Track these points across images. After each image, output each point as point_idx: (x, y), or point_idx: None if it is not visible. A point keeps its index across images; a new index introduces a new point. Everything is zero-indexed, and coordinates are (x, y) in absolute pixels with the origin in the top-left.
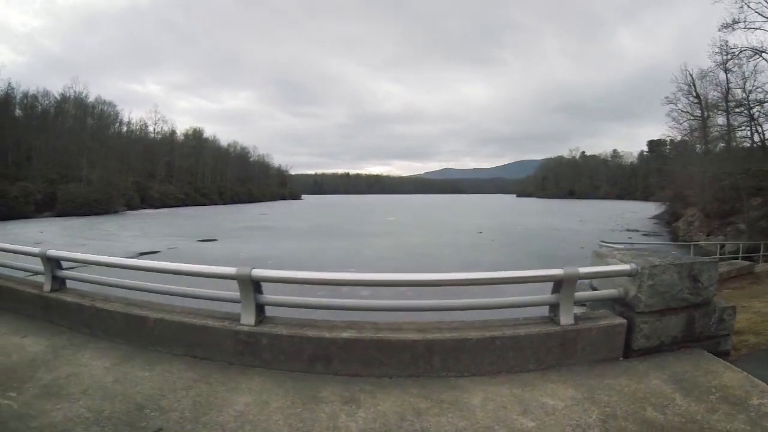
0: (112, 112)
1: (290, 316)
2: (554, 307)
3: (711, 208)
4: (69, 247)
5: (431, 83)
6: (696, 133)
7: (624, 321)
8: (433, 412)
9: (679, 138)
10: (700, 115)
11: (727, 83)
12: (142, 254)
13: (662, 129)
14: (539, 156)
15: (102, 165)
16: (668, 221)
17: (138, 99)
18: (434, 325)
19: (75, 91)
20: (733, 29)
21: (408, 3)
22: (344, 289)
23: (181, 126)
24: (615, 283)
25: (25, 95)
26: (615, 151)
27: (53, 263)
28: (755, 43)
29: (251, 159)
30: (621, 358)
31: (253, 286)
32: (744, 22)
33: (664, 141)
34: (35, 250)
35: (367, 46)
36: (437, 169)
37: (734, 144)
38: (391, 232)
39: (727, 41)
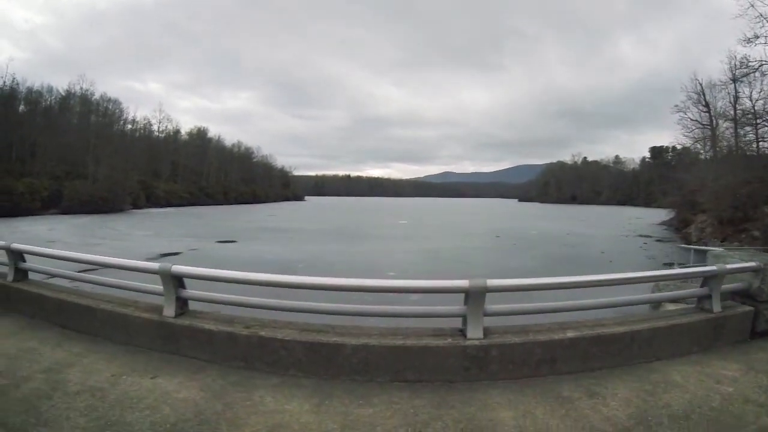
0: (116, 110)
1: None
2: (703, 299)
3: (725, 214)
4: (83, 247)
5: (431, 87)
6: (708, 141)
7: (751, 309)
8: (658, 391)
9: (690, 144)
10: (709, 123)
11: (736, 93)
12: (163, 255)
13: (663, 136)
14: (539, 161)
15: (108, 163)
16: (677, 227)
17: (139, 97)
18: (627, 318)
19: (81, 88)
20: (755, 44)
21: (410, 7)
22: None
23: (182, 125)
24: (737, 278)
25: (30, 91)
26: (617, 157)
27: (176, 282)
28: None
29: (254, 159)
30: (749, 339)
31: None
32: (765, 36)
33: (667, 148)
34: (154, 266)
35: (368, 49)
36: (437, 173)
37: (738, 152)
38: (409, 236)
39: (747, 56)
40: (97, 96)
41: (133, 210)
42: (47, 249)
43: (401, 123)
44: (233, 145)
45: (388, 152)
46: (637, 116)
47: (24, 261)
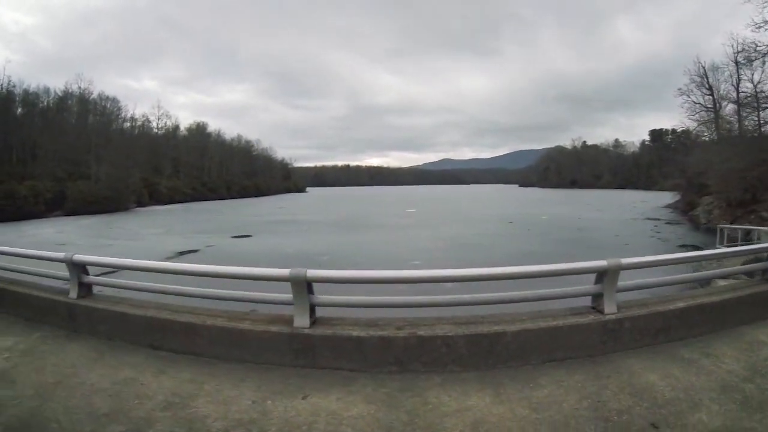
0: (114, 108)
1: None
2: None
3: (733, 196)
4: (95, 248)
5: (429, 75)
6: (712, 124)
7: None
8: (755, 349)
9: (694, 128)
10: (712, 106)
11: (739, 76)
12: (181, 253)
13: (663, 118)
14: (537, 146)
15: (110, 162)
16: (683, 210)
17: (134, 95)
18: (716, 289)
19: (80, 87)
20: (766, 29)
21: None
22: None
23: (179, 120)
24: None
25: (26, 92)
26: (617, 140)
27: (308, 288)
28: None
29: (254, 153)
30: None
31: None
32: None
33: (666, 131)
34: (284, 272)
35: (365, 38)
36: (436, 160)
37: (746, 134)
38: (422, 224)
39: (756, 41)
40: (95, 95)
41: (137, 208)
42: (116, 259)
43: (399, 111)
44: (232, 139)
45: (386, 141)
46: (636, 99)
47: (87, 274)
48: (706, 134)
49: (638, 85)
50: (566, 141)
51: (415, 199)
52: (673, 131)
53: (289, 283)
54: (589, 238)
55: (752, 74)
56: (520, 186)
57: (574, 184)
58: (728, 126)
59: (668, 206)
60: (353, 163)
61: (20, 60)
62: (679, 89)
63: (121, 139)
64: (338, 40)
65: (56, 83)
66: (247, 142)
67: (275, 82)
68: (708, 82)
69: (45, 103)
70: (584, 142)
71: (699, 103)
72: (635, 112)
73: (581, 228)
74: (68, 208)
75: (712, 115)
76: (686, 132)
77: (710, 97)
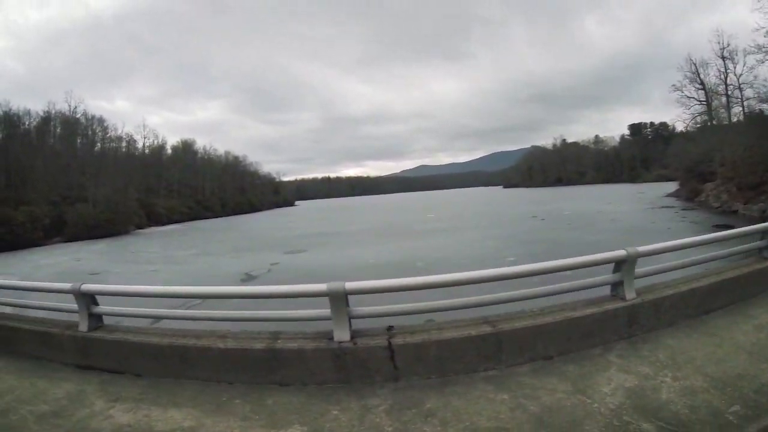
0: (100, 129)
1: None
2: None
3: (745, 181)
4: (144, 275)
5: (401, 82)
6: (705, 116)
7: None
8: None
9: (690, 119)
10: (704, 99)
11: (726, 70)
12: (248, 275)
13: (635, 112)
14: (513, 147)
15: (107, 184)
16: (687, 197)
17: (108, 116)
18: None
19: (69, 106)
20: None
21: (375, 2)
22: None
23: (165, 139)
24: None
25: (7, 114)
26: (596, 136)
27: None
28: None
29: (242, 168)
30: None
31: None
32: None
33: (645, 124)
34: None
35: (335, 48)
36: (412, 167)
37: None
38: (459, 227)
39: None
40: (79, 115)
41: (137, 230)
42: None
43: (373, 120)
44: (220, 155)
45: (361, 151)
46: (606, 94)
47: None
48: (699, 126)
49: (608, 80)
50: (541, 140)
51: (422, 205)
52: (652, 124)
53: None
54: (630, 226)
55: (734, 67)
56: (504, 187)
57: (559, 182)
58: (723, 117)
59: (670, 195)
60: (332, 175)
61: None
62: (673, 85)
63: (115, 160)
64: (308, 52)
65: (31, 106)
66: (235, 158)
67: (248, 97)
68: (700, 78)
69: (27, 125)
70: (564, 140)
71: (693, 98)
72: (607, 107)
73: (614, 220)
74: (69, 234)
75: (705, 108)
76: (664, 124)
77: (702, 91)
